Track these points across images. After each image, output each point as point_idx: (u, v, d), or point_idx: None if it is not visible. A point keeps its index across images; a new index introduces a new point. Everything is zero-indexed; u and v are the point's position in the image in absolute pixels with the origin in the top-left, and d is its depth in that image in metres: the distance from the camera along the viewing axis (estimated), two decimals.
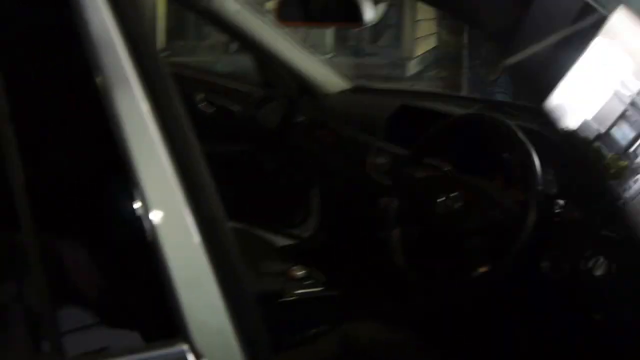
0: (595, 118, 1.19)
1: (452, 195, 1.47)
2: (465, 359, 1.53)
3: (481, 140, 1.62)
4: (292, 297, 1.72)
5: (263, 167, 2.63)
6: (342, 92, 2.39)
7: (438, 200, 1.49)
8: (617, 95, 1.13)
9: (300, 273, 1.77)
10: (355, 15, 1.06)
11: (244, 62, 2.60)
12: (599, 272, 1.28)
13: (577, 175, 1.43)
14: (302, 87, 2.42)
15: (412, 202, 1.59)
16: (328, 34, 3.96)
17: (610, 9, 1.03)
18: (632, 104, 1.12)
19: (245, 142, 2.64)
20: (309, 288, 1.75)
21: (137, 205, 0.79)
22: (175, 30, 3.44)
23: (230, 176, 2.73)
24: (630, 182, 1.30)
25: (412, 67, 4.39)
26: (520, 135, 1.42)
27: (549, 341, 1.71)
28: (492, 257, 1.39)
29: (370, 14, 1.04)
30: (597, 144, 1.50)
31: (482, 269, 1.38)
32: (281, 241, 2.61)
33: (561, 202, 1.40)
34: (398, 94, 2.32)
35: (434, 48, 4.46)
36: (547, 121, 1.74)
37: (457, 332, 1.76)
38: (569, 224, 1.40)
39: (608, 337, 1.43)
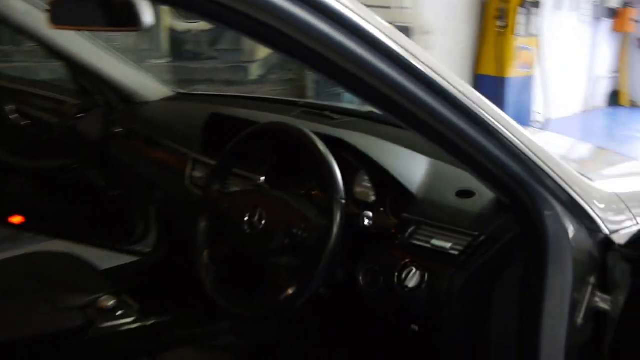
0: None
1: (257, 211, 1.37)
2: None
3: (286, 151, 1.55)
4: (99, 331, 1.56)
5: (90, 182, 2.44)
6: (163, 100, 2.27)
7: (244, 218, 1.38)
8: None
9: (110, 303, 1.62)
10: (131, 19, 0.94)
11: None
12: (411, 284, 1.25)
13: (389, 185, 1.39)
14: (120, 95, 2.27)
15: (219, 220, 1.47)
16: (163, 38, 3.77)
17: None
18: None
19: (65, 156, 2.44)
20: (120, 319, 1.59)
21: None
22: None
23: (55, 193, 2.54)
24: None
25: (255, 70, 4.29)
26: (321, 146, 1.35)
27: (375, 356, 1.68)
28: (299, 278, 1.30)
29: (148, 17, 0.94)
30: None
31: (289, 291, 1.29)
32: (112, 261, 2.45)
33: (369, 213, 1.35)
34: (221, 100, 2.22)
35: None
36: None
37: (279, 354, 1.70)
38: (380, 236, 1.35)
39: (427, 347, 1.41)
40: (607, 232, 1.15)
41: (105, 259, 2.32)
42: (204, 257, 1.44)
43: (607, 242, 1.15)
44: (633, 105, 9.89)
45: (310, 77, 4.46)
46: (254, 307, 1.36)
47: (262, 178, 1.55)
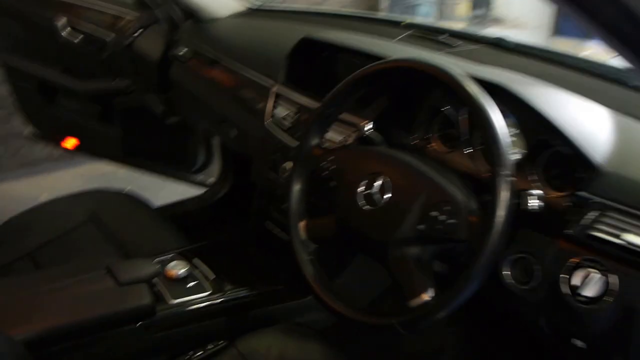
0: None
1: (378, 180, 1.03)
2: None
3: (416, 94, 1.19)
4: (168, 309, 1.29)
5: (148, 107, 2.16)
6: (235, 16, 1.93)
7: (359, 187, 1.05)
8: None
9: (180, 272, 1.34)
10: None
11: None
12: (589, 292, 0.91)
13: (549, 147, 1.03)
14: (185, 9, 1.94)
15: (321, 187, 1.14)
16: None
17: None
18: None
19: (121, 78, 2.16)
20: (191, 294, 1.32)
21: None
22: None
23: (111, 117, 2.29)
24: None
25: None
26: (482, 98, 0.96)
27: None
28: (441, 280, 0.97)
29: None
30: None
31: (424, 297, 0.95)
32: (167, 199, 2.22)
33: (540, 192, 0.97)
34: (303, 18, 1.85)
35: None
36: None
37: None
38: (546, 217, 0.98)
39: None
40: None
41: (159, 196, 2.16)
42: (299, 231, 1.13)
43: None
44: None
45: None
46: (374, 315, 1.01)
47: (368, 125, 1.22)
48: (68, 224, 1.67)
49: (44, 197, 1.78)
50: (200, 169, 2.45)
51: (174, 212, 2.17)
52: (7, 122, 3.18)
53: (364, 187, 1.04)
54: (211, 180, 2.43)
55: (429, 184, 0.99)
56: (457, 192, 0.96)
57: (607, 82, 1.19)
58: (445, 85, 0.99)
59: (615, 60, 1.17)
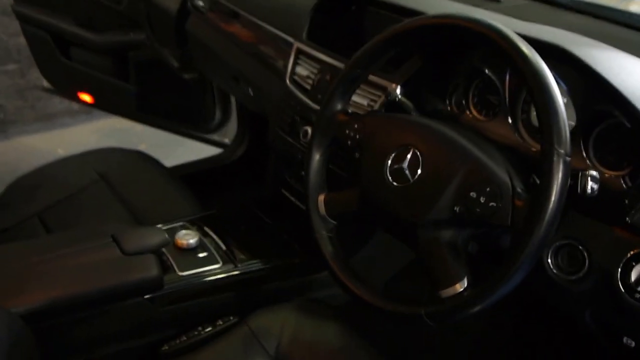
0: None
1: (408, 153, 0.91)
2: None
3: (452, 55, 1.06)
4: (176, 280, 1.21)
5: (164, 61, 2.06)
6: None
7: (387, 160, 0.93)
8: None
9: (191, 242, 1.26)
10: None
11: None
12: None
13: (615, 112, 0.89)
14: None
15: (344, 157, 1.03)
16: None
17: None
18: None
19: (137, 31, 2.07)
20: (202, 266, 1.24)
21: None
22: None
23: (126, 71, 2.19)
24: None
25: None
26: (529, 53, 0.82)
27: None
28: (477, 269, 0.86)
29: None
30: None
31: (458, 287, 0.83)
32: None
33: (595, 173, 0.81)
34: None
35: None
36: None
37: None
38: (599, 200, 0.85)
39: None
40: None
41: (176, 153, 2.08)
42: (318, 205, 1.02)
43: None
44: None
45: None
46: (398, 302, 0.90)
47: (398, 88, 1.10)
48: (78, 184, 1.62)
49: (61, 151, 1.72)
50: (217, 128, 2.38)
51: (187, 172, 2.10)
52: (24, 75, 3.12)
53: (391, 160, 0.93)
54: (227, 140, 2.35)
55: (468, 160, 0.86)
56: (500, 171, 0.83)
57: None
58: (493, 45, 0.86)
59: None
